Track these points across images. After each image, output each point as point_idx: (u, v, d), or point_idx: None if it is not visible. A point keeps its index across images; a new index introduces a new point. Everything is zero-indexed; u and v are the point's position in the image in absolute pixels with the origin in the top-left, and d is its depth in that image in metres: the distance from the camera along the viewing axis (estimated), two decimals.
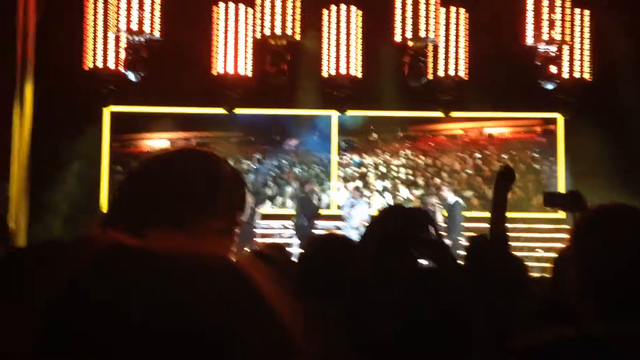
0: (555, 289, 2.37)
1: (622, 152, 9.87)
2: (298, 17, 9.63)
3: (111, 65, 9.97)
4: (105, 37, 9.91)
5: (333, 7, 10.03)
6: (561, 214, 9.17)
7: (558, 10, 9.64)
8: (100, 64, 9.92)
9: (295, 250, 9.43)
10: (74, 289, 0.57)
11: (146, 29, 9.52)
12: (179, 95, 10.23)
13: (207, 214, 1.17)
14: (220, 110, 10.42)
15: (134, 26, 9.50)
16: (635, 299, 1.34)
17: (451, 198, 10.04)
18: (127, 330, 0.54)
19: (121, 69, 9.86)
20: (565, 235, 9.16)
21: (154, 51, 9.72)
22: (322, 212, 10.31)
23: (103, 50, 9.93)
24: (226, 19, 9.99)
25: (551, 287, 2.60)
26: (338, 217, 10.21)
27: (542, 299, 2.48)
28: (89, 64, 9.90)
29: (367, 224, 2.28)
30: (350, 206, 10.02)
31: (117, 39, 9.86)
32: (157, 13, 9.58)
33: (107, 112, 10.81)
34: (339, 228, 9.47)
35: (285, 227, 10.10)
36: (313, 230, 9.15)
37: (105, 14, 9.83)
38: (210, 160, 1.24)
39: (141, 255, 0.59)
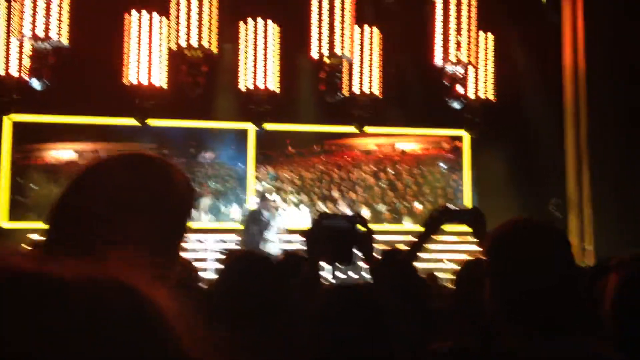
0: (458, 300, 2.45)
1: (525, 168, 10.52)
2: (215, 29, 9.55)
3: (14, 72, 9.44)
4: (7, 43, 9.39)
5: (250, 21, 10.04)
6: (465, 227, 9.61)
7: (464, 33, 10.15)
8: (2, 71, 9.38)
9: (210, 265, 9.29)
10: None
11: (53, 35, 9.09)
12: (88, 105, 9.84)
13: (153, 232, 1.03)
14: (132, 121, 10.10)
15: (40, 32, 9.04)
16: (545, 318, 1.36)
17: (348, 212, 10.26)
18: None
19: (25, 76, 9.35)
20: (470, 247, 9.63)
21: (62, 59, 9.29)
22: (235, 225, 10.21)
23: (5, 56, 9.40)
24: (139, 28, 9.75)
25: (454, 297, 2.67)
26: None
27: (444, 310, 2.56)
28: None
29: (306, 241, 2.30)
30: (267, 220, 10.00)
31: (21, 45, 9.35)
32: (65, 19, 9.17)
33: (7, 122, 10.21)
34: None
35: (200, 242, 9.91)
36: (263, 245, 9.09)
37: (9, 19, 9.32)
38: (160, 168, 1.11)
39: (33, 282, 0.54)
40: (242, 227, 9.68)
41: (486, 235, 1.58)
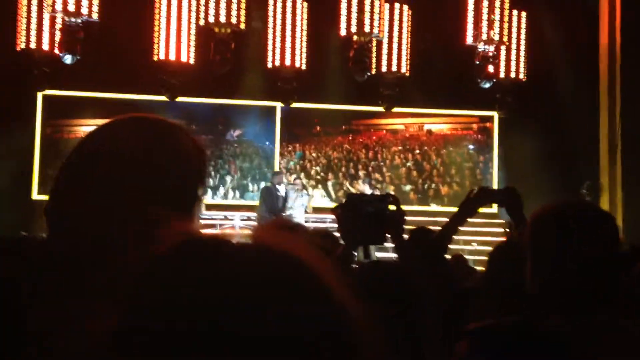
0: (489, 282, 2.42)
1: (555, 150, 10.33)
2: (243, 5, 9.51)
3: (45, 46, 9.54)
4: (39, 18, 9.47)
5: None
6: (494, 209, 9.52)
7: (497, 11, 9.95)
8: (33, 45, 9.48)
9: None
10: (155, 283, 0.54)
11: (84, 10, 9.15)
12: (117, 81, 9.91)
13: (177, 195, 1.03)
14: (161, 98, 10.16)
15: (71, 7, 9.11)
16: (588, 294, 1.37)
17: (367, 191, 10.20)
18: (208, 328, 0.52)
19: (56, 51, 9.45)
20: (499, 229, 9.50)
21: (92, 34, 9.36)
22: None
23: (37, 30, 9.49)
24: (168, 4, 9.75)
25: (485, 280, 2.64)
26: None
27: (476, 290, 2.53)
28: (21, 44, 9.44)
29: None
30: (293, 198, 10.02)
31: (52, 19, 9.43)
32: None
33: (40, 96, 10.35)
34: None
35: (227, 218, 9.99)
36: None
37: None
38: (170, 130, 1.09)
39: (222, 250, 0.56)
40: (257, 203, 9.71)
41: (529, 217, 1.56)
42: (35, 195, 10.20)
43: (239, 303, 0.52)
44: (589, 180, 10.12)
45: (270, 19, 9.97)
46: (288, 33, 9.93)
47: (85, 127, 10.55)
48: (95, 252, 0.94)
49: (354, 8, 9.59)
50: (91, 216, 0.99)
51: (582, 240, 1.38)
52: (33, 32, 9.47)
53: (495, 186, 10.95)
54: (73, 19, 9.20)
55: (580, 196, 9.68)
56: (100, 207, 0.99)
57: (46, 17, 9.42)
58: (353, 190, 10.48)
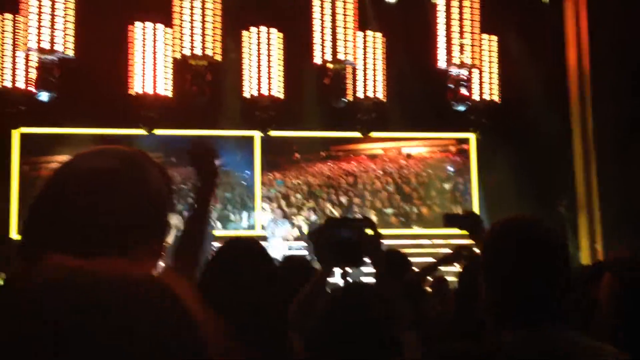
0: (460, 302, 2.45)
1: (532, 169, 10.49)
2: (218, 37, 9.61)
3: (21, 85, 9.53)
4: (14, 56, 9.49)
5: (253, 29, 10.09)
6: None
7: (467, 35, 10.15)
8: (9, 84, 9.47)
9: None
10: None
11: (58, 47, 9.17)
12: (95, 116, 9.91)
13: (135, 234, 1.01)
14: (139, 131, 10.16)
15: (45, 45, 9.13)
16: (534, 307, 1.39)
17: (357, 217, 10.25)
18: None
19: (32, 88, 9.44)
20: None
21: (68, 70, 9.38)
22: (245, 233, 10.25)
23: (12, 69, 9.49)
24: (144, 39, 9.83)
25: (456, 300, 2.67)
26: (262, 238, 10.17)
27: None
28: None
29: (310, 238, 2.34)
30: (273, 226, 10.03)
31: (27, 57, 9.44)
32: (71, 31, 9.25)
33: (16, 134, 10.30)
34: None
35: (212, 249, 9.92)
36: None
37: (14, 32, 9.42)
38: (136, 164, 1.09)
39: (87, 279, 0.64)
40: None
41: (488, 231, 1.60)
42: (14, 235, 10.08)
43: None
44: (565, 198, 10.28)
45: (246, 49, 10.08)
46: (264, 63, 10.03)
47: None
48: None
49: (327, 37, 9.74)
50: (58, 247, 0.97)
51: (528, 255, 1.42)
52: (8, 71, 9.47)
53: (475, 207, 11.06)
54: (48, 56, 9.21)
55: (558, 213, 9.81)
56: (69, 240, 0.97)
57: (21, 55, 9.43)
58: (336, 215, 10.52)
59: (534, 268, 1.40)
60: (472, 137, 11.36)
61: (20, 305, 0.60)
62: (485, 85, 10.60)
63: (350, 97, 10.26)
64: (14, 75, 9.48)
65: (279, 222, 10.09)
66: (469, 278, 2.38)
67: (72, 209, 1.00)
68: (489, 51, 10.55)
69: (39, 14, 8.98)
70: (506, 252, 1.42)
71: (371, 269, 2.43)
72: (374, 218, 10.33)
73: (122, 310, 0.61)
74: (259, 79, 10.00)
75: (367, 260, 2.42)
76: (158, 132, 10.28)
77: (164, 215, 1.07)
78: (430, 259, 10.07)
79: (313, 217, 10.94)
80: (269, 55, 10.04)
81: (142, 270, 0.89)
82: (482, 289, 1.44)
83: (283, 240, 9.74)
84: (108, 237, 0.96)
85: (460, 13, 9.96)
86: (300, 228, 10.26)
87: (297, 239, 9.88)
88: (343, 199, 11.15)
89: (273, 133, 10.56)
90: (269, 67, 10.02)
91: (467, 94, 10.36)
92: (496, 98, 10.59)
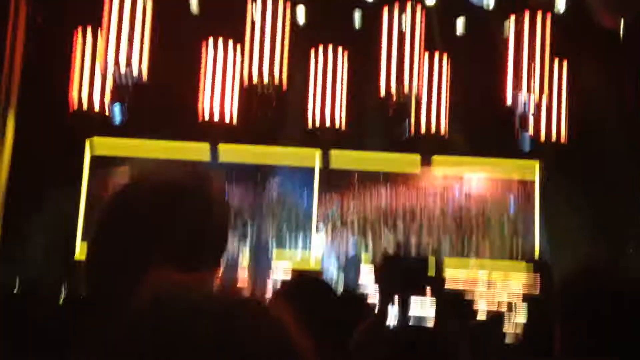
0: None
1: (600, 209, 10.06)
2: (285, 61, 9.77)
3: (96, 106, 9.96)
4: (92, 76, 9.92)
5: (320, 54, 10.21)
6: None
7: (537, 68, 9.95)
8: (85, 105, 9.91)
9: None
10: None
11: (134, 67, 9.49)
12: (163, 140, 10.22)
13: (215, 250, 1.10)
14: (203, 156, 10.41)
15: (122, 59, 9.42)
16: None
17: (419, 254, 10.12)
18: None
19: (106, 109, 9.86)
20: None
21: (140, 93, 9.73)
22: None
23: (88, 90, 9.93)
24: (214, 60, 10.09)
25: None
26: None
27: None
28: (74, 103, 9.87)
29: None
30: (329, 254, 10.02)
31: (104, 78, 9.85)
32: (146, 48, 9.55)
33: (88, 154, 10.74)
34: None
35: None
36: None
37: (94, 51, 9.85)
38: (211, 183, 1.14)
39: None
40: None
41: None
42: (79, 256, 10.34)
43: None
44: (634, 240, 9.82)
45: (311, 78, 10.21)
46: (328, 93, 10.14)
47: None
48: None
49: (393, 67, 9.77)
50: (122, 272, 1.02)
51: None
52: (85, 92, 9.91)
53: (536, 242, 10.76)
54: (123, 79, 9.55)
55: (626, 256, 9.38)
56: (131, 262, 1.02)
57: (98, 76, 9.83)
58: (392, 243, 10.45)
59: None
60: (537, 167, 11.04)
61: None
62: (554, 122, 10.31)
63: (413, 128, 10.23)
64: (90, 96, 9.90)
65: (335, 246, 10.08)
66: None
67: (166, 227, 1.05)
68: (559, 86, 10.31)
69: (118, 29, 9.37)
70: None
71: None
72: (430, 246, 10.16)
73: (242, 329, 0.71)
74: (322, 108, 10.10)
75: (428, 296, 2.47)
76: (222, 157, 10.50)
77: (227, 233, 1.14)
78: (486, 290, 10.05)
79: (370, 244, 10.86)
80: (333, 85, 10.15)
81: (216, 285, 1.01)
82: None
83: (336, 266, 9.71)
84: (202, 254, 1.05)
85: (531, 44, 9.81)
86: (358, 254, 10.19)
87: (352, 264, 9.81)
88: (400, 225, 11.00)
89: (333, 164, 10.62)
90: (332, 97, 10.12)
91: (535, 130, 10.13)
92: (564, 135, 10.29)
